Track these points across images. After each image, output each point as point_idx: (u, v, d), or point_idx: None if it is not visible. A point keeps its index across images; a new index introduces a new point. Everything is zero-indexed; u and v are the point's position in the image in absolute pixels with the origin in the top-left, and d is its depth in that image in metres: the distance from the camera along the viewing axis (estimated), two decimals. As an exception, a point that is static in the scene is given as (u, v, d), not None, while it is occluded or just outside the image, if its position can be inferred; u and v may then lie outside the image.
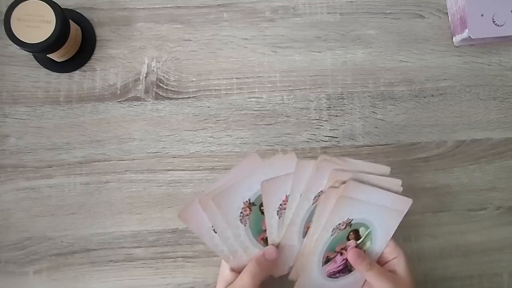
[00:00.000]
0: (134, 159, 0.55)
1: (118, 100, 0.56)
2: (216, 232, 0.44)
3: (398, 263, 0.46)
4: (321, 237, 0.45)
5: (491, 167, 0.57)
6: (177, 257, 0.54)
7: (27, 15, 0.49)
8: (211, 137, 0.56)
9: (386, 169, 0.45)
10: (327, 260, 0.46)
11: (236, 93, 0.56)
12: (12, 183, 0.54)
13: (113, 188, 0.54)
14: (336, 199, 0.43)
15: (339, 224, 0.45)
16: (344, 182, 0.43)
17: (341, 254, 0.47)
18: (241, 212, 0.44)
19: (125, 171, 0.54)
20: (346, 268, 0.48)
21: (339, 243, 0.46)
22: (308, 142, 0.56)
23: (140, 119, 0.55)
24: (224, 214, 0.43)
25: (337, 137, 0.56)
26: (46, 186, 0.54)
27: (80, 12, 0.56)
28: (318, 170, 0.43)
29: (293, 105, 0.57)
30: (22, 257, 0.53)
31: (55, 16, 0.49)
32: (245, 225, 0.44)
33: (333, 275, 0.47)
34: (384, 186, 0.45)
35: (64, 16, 0.50)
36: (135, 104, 0.56)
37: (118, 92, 0.56)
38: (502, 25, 0.55)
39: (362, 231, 0.46)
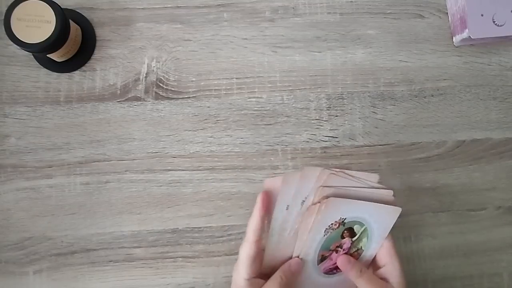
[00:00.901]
0: (134, 159, 0.55)
1: (118, 100, 0.56)
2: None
3: (392, 271, 0.44)
4: (313, 238, 0.44)
5: (491, 167, 0.57)
6: (177, 257, 0.54)
7: (27, 15, 0.49)
8: (211, 137, 0.56)
9: (375, 177, 0.44)
10: (322, 259, 0.46)
11: (236, 93, 0.56)
12: (12, 183, 0.54)
13: (113, 188, 0.54)
14: (317, 213, 0.42)
15: (332, 224, 0.44)
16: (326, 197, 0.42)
17: (337, 251, 0.46)
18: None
19: (125, 171, 0.54)
20: None
21: (334, 241, 0.45)
22: (308, 142, 0.56)
23: (140, 119, 0.55)
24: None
25: (337, 137, 0.56)
26: (46, 186, 0.54)
27: (80, 12, 0.56)
28: (303, 182, 0.42)
29: (293, 105, 0.57)
30: (22, 257, 0.53)
31: (55, 16, 0.49)
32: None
33: (329, 271, 0.47)
34: (375, 198, 0.44)
35: (64, 16, 0.50)
36: (135, 104, 0.56)
37: (118, 92, 0.56)
38: (502, 25, 0.55)
39: (357, 228, 0.45)
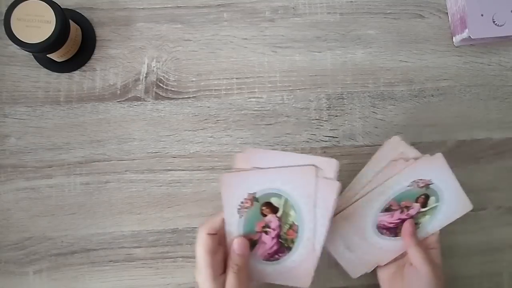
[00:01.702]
0: (134, 159, 0.55)
1: (118, 100, 0.56)
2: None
3: (436, 254, 0.48)
4: (398, 181, 0.47)
5: (491, 167, 0.57)
6: (177, 257, 0.54)
7: (27, 15, 0.49)
8: (211, 137, 0.56)
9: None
10: (387, 209, 0.48)
11: (236, 93, 0.56)
12: (12, 183, 0.54)
13: (113, 188, 0.54)
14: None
15: (421, 180, 0.46)
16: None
17: (402, 211, 0.48)
18: (242, 203, 0.43)
19: (125, 171, 0.54)
20: (395, 230, 0.49)
21: (408, 199, 0.47)
22: (308, 142, 0.56)
23: (140, 119, 0.55)
24: (227, 197, 0.42)
25: (337, 137, 0.56)
26: (46, 186, 0.54)
27: (80, 12, 0.56)
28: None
29: (293, 105, 0.57)
30: (22, 257, 0.53)
31: (55, 16, 0.49)
32: (240, 217, 0.43)
33: (381, 228, 0.48)
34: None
35: (64, 16, 0.50)
36: (135, 104, 0.56)
37: (118, 92, 0.56)
38: (502, 25, 0.55)
39: (431, 201, 0.48)
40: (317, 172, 0.42)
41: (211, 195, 0.55)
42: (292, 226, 0.44)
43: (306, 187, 0.43)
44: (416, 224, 0.48)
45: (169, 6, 0.58)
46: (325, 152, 0.56)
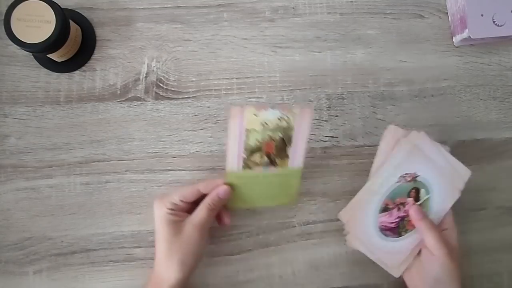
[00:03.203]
0: (134, 159, 0.55)
1: (118, 100, 0.56)
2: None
3: (451, 235, 0.48)
4: (387, 179, 0.48)
5: (491, 167, 0.57)
6: (177, 257, 0.54)
7: (27, 15, 0.49)
8: (211, 137, 0.56)
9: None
10: (384, 209, 0.49)
11: (236, 93, 0.56)
12: (12, 183, 0.54)
13: (113, 188, 0.54)
14: (407, 146, 0.48)
15: (406, 174, 0.48)
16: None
17: (399, 209, 0.49)
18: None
19: (125, 171, 0.54)
20: (397, 230, 0.49)
21: (400, 195, 0.49)
22: (308, 142, 0.56)
23: (140, 119, 0.55)
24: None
25: (337, 137, 0.56)
26: (46, 186, 0.54)
27: (80, 12, 0.56)
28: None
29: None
30: (22, 257, 0.53)
31: (55, 16, 0.49)
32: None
33: (384, 230, 0.49)
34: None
35: (64, 16, 0.50)
36: (135, 104, 0.56)
37: (118, 92, 0.56)
38: (502, 25, 0.55)
39: (422, 193, 0.49)
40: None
41: (211, 195, 0.55)
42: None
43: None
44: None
45: (169, 6, 0.58)
46: (325, 152, 0.56)
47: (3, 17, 0.49)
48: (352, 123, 0.57)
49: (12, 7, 0.49)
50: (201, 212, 0.47)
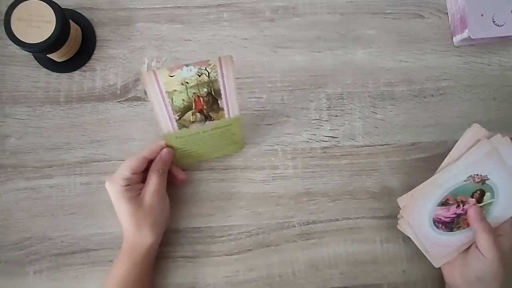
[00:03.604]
0: (134, 159, 0.55)
1: (118, 100, 0.56)
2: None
3: (505, 242, 0.48)
4: (455, 176, 0.48)
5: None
6: (177, 257, 0.54)
7: (27, 15, 0.49)
8: (211, 137, 0.56)
9: None
10: (444, 203, 0.49)
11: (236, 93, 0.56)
12: (12, 183, 0.54)
13: (113, 188, 0.54)
14: (486, 148, 0.47)
15: (477, 175, 0.48)
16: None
17: (458, 206, 0.49)
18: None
19: (125, 171, 0.54)
20: (451, 225, 0.49)
21: (463, 194, 0.49)
22: (308, 142, 0.56)
23: (140, 119, 0.55)
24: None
25: (337, 137, 0.56)
26: (46, 186, 0.54)
27: (80, 12, 0.56)
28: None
29: (293, 105, 0.57)
30: (22, 257, 0.53)
31: (55, 16, 0.49)
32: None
33: (437, 222, 0.50)
34: None
35: (64, 16, 0.50)
36: (135, 104, 0.56)
37: (118, 92, 0.56)
38: (502, 25, 0.55)
39: (487, 196, 0.49)
40: None
41: (210, 195, 0.54)
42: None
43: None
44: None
45: (169, 6, 0.58)
46: (325, 152, 0.56)
47: (3, 17, 0.49)
48: (352, 123, 0.57)
49: (12, 7, 0.49)
50: (152, 179, 0.48)
